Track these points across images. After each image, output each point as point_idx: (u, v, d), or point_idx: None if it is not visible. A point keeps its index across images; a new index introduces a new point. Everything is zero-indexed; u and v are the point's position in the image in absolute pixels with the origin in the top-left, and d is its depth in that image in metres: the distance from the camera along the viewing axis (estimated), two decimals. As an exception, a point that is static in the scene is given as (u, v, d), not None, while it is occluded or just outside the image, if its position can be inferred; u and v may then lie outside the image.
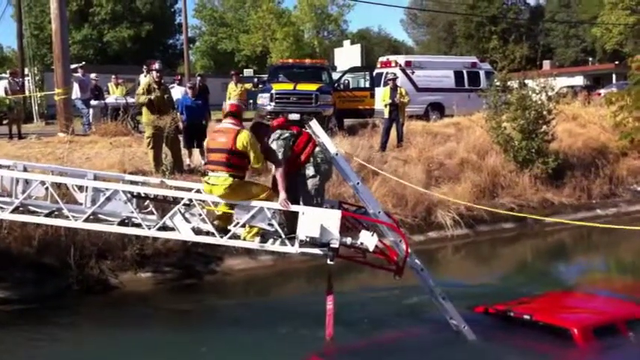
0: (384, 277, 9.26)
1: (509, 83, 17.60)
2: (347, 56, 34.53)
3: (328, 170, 8.00)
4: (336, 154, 7.96)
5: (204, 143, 12.45)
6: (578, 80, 46.69)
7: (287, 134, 7.70)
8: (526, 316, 7.96)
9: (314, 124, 8.03)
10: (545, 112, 16.51)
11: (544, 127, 16.44)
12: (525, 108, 16.35)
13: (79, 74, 19.21)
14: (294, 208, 7.58)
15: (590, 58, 60.46)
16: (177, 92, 17.08)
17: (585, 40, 61.84)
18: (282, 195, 7.47)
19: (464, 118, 20.29)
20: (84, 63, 24.50)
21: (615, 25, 49.10)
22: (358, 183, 8.06)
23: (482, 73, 24.39)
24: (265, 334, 8.45)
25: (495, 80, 18.39)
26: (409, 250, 7.82)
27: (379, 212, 7.97)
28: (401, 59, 25.17)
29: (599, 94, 29.78)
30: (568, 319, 7.91)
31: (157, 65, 13.23)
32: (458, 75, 24.53)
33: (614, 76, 46.30)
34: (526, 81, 17.92)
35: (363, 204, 8.23)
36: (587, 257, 14.42)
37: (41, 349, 8.10)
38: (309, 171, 7.78)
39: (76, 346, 8.27)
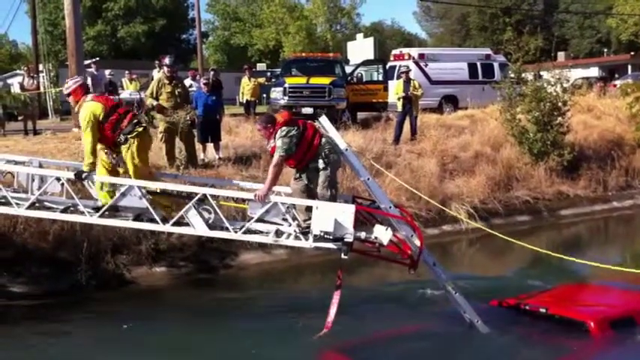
0: (398, 271, 9.26)
1: (523, 75, 17.48)
2: (360, 49, 34.34)
3: (337, 160, 7.99)
4: (346, 150, 7.95)
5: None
6: (594, 71, 46.30)
7: (294, 131, 7.66)
8: (542, 309, 7.92)
9: (323, 120, 8.02)
10: (560, 104, 16.40)
11: (559, 118, 16.33)
12: (540, 100, 16.24)
13: (92, 70, 19.29)
14: (308, 202, 7.61)
15: (605, 49, 59.93)
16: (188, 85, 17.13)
17: (600, 30, 61.25)
18: (263, 190, 7.58)
19: (478, 110, 20.19)
20: (97, 59, 24.61)
21: (630, 15, 48.58)
22: (369, 178, 8.05)
23: (496, 65, 24.22)
24: (280, 327, 8.46)
25: (509, 72, 18.27)
26: (423, 245, 7.81)
27: (390, 207, 7.96)
28: (414, 52, 25.07)
29: (615, 86, 29.52)
30: (584, 312, 7.86)
31: (167, 60, 13.19)
32: (472, 67, 24.38)
33: (629, 67, 45.89)
34: (541, 72, 17.80)
35: (375, 199, 8.22)
36: (603, 249, 14.32)
37: (57, 344, 8.16)
38: (319, 164, 7.78)
39: (92, 341, 8.31)
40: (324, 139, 7.86)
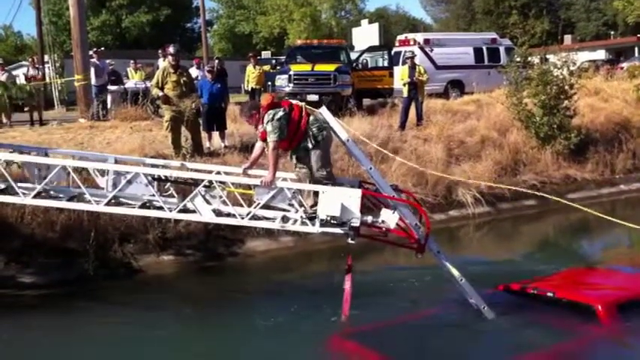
0: (405, 257, 9.26)
1: (529, 59, 17.39)
2: (365, 35, 34.13)
3: (327, 137, 7.95)
4: (348, 140, 7.93)
5: None
6: (600, 54, 45.99)
7: (280, 113, 7.64)
8: (549, 294, 7.90)
9: (323, 111, 8.00)
10: (566, 87, 16.31)
11: (566, 102, 16.24)
12: (546, 83, 16.15)
13: (94, 59, 19.27)
14: (314, 187, 7.61)
15: (612, 32, 59.47)
16: (194, 74, 17.13)
17: (607, 13, 60.71)
18: (269, 176, 7.56)
19: (484, 95, 20.11)
20: (102, 48, 24.60)
21: (637, -3, 48.20)
22: (371, 168, 8.03)
23: (502, 49, 24.15)
24: (287, 314, 8.49)
25: (515, 56, 18.18)
26: (428, 231, 7.80)
27: (393, 196, 7.95)
28: (419, 37, 24.99)
29: (622, 68, 29.34)
30: (592, 296, 7.84)
31: (171, 49, 13.17)
32: (477, 51, 24.30)
33: (636, 49, 45.54)
34: (547, 56, 17.70)
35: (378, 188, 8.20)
36: (611, 233, 14.26)
37: (65, 334, 8.18)
38: (309, 144, 7.78)
39: (101, 330, 8.34)
40: (311, 118, 7.85)
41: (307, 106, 8.08)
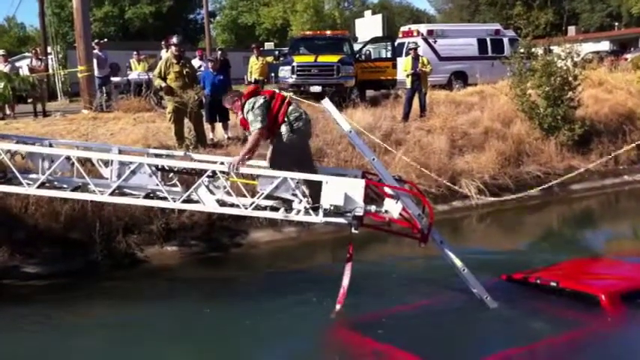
0: (408, 247, 9.26)
1: (533, 50, 17.34)
2: (368, 27, 34.03)
3: (303, 129, 8.01)
4: (350, 131, 7.93)
5: None
6: (604, 45, 45.84)
7: (260, 101, 7.72)
8: (553, 283, 7.91)
9: (326, 102, 8.00)
10: (570, 79, 16.27)
11: (570, 93, 16.20)
12: (550, 74, 16.11)
13: (95, 51, 19.27)
14: (316, 177, 7.61)
15: (616, 23, 59.28)
16: (197, 65, 17.12)
17: (611, 4, 60.59)
18: (238, 156, 7.67)
19: (488, 86, 20.07)
20: (104, 40, 24.59)
21: (641, -12, 48.05)
22: (374, 159, 8.04)
23: (505, 41, 24.06)
24: (290, 304, 8.48)
25: (519, 47, 18.12)
26: (431, 221, 7.80)
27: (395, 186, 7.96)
28: (423, 28, 24.92)
29: (626, 59, 29.26)
30: (595, 286, 7.84)
31: (174, 39, 13.15)
32: (481, 43, 24.22)
33: (640, 40, 45.43)
34: (551, 47, 17.66)
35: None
36: (614, 223, 14.28)
37: (71, 324, 8.21)
38: (283, 130, 7.83)
39: (105, 320, 8.38)
40: (291, 107, 7.90)
41: (293, 97, 8.11)
